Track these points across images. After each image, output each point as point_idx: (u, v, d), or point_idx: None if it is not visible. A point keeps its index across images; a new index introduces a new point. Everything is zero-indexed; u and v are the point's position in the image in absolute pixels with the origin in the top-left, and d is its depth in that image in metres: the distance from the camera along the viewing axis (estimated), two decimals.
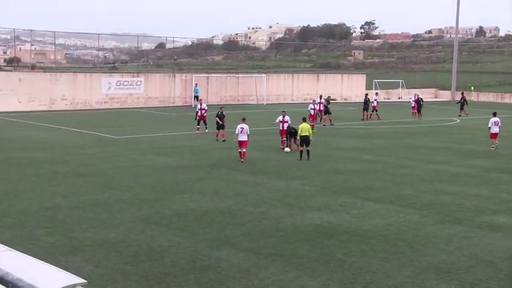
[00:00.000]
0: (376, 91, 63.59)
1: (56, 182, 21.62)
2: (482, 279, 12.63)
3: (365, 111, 48.55)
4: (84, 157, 27.21)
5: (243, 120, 27.84)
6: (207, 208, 18.14)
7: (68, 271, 5.62)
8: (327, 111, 43.99)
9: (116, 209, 17.86)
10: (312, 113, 40.00)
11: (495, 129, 32.01)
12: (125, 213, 17.33)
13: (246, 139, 26.80)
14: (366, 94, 52.43)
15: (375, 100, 49.66)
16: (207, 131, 36.38)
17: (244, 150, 26.67)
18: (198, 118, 37.12)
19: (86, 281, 5.37)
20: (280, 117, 30.64)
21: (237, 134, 26.94)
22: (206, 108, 37.47)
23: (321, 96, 45.53)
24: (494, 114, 32.82)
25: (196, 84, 61.11)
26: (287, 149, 29.27)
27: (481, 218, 17.70)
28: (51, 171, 23.62)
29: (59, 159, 26.61)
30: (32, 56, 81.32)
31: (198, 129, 37.05)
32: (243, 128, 26.87)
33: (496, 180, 23.63)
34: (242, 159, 26.39)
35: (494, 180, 23.62)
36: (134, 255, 13.64)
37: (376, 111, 48.84)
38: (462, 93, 58.48)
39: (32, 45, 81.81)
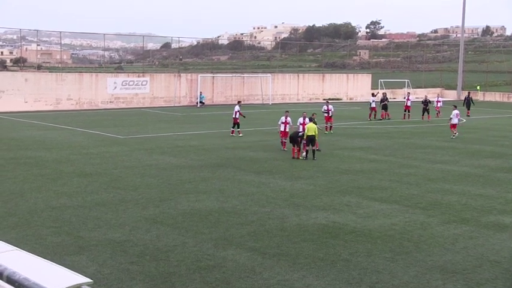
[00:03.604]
0: (409, 91, 63.55)
1: (61, 181, 21.67)
2: (489, 279, 12.59)
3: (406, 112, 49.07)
4: (89, 157, 27.26)
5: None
6: (212, 208, 18.15)
7: (73, 270, 5.62)
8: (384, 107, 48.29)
9: (122, 208, 17.88)
10: (329, 114, 38.82)
11: (455, 121, 36.77)
12: (130, 213, 17.35)
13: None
14: (408, 93, 52.97)
15: (407, 99, 49.92)
16: (240, 135, 35.44)
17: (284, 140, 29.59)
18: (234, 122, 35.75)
19: (91, 281, 5.37)
20: (283, 118, 30.35)
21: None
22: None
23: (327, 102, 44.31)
24: (455, 107, 37.84)
25: (201, 92, 61.25)
26: (304, 154, 27.75)
27: (487, 218, 17.65)
28: (56, 171, 23.67)
29: (65, 159, 26.67)
30: (38, 56, 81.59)
31: (232, 132, 35.83)
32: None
33: (502, 180, 23.57)
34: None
35: (500, 180, 23.56)
36: (140, 254, 13.66)
37: (409, 111, 49.16)
38: (469, 93, 58.29)
39: (38, 45, 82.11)
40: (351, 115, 51.81)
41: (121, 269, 12.74)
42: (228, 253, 13.88)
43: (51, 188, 20.49)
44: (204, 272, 12.67)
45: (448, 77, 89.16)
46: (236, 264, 13.14)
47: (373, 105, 48.50)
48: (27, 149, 29.16)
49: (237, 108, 35.74)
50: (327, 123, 37.98)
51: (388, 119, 48.23)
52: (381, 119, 48.07)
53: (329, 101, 43.06)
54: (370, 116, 48.30)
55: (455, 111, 37.15)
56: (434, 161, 27.72)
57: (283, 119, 30.22)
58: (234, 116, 35.46)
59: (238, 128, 35.41)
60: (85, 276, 5.47)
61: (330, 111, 38.37)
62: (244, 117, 36.08)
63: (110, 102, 57.66)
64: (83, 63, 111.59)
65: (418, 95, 66.26)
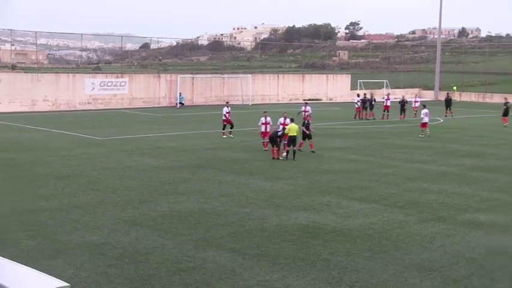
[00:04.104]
0: (388, 91, 63.95)
1: (37, 184, 21.46)
2: (465, 276, 12.74)
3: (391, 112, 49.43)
4: (67, 158, 27.04)
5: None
6: (192, 209, 18.10)
7: (50, 275, 5.56)
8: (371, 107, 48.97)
9: (100, 210, 17.76)
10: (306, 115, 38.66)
11: (425, 119, 37.30)
12: (109, 215, 17.24)
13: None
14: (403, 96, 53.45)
15: (387, 99, 50.39)
16: (231, 136, 35.19)
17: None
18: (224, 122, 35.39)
19: (68, 285, 5.33)
20: (263, 119, 30.40)
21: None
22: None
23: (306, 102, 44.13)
24: (424, 106, 38.87)
25: (180, 93, 61.11)
26: (284, 155, 27.92)
27: (463, 216, 17.83)
28: (33, 173, 23.44)
29: (41, 160, 26.41)
30: (12, 56, 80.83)
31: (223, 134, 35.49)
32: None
33: (478, 178, 23.81)
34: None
35: (476, 178, 23.80)
36: (118, 257, 13.57)
37: (388, 111, 49.67)
38: (447, 93, 58.76)
39: (12, 45, 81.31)
40: (330, 115, 51.96)
41: (99, 272, 12.65)
42: (208, 254, 13.85)
43: (27, 191, 20.30)
44: (184, 273, 12.63)
45: (426, 77, 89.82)
46: (216, 266, 13.12)
47: (358, 105, 49.15)
48: (2, 151, 28.84)
49: (226, 109, 35.62)
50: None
51: (373, 119, 48.77)
52: (368, 119, 48.63)
53: (308, 102, 43.08)
54: (355, 116, 48.93)
55: (425, 111, 37.92)
56: (413, 161, 27.91)
57: (263, 119, 30.31)
58: (224, 118, 35.37)
59: (231, 128, 35.32)
60: (62, 280, 5.42)
61: (306, 112, 38.19)
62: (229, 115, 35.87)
63: (88, 103, 57.21)
64: (60, 64, 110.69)
65: (397, 95, 66.57)
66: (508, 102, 46.67)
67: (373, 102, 49.57)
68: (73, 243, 14.58)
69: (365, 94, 51.89)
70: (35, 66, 74.62)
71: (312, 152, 29.37)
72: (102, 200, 19.15)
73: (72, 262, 13.19)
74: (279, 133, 27.91)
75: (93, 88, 57.68)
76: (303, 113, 38.23)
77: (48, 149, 29.75)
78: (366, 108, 49.16)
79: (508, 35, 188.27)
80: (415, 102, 52.13)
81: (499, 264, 13.52)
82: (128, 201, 19.00)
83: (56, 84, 55.57)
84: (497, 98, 75.82)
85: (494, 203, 19.68)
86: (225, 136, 34.92)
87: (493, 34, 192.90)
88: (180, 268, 12.94)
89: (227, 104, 37.18)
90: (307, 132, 29.81)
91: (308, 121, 30.39)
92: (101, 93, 58.17)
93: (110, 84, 58.95)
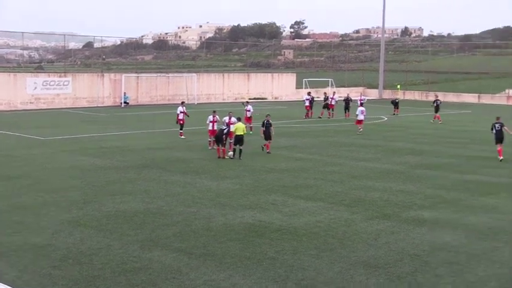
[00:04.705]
0: (334, 90, 64.64)
1: None
2: (409, 273, 12.96)
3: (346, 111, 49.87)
4: (9, 159, 26.46)
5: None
6: (137, 209, 17.94)
7: None
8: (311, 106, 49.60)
9: (43, 212, 17.45)
10: (249, 115, 38.53)
11: (361, 117, 38.82)
12: (52, 216, 16.95)
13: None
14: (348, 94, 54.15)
15: (332, 98, 50.96)
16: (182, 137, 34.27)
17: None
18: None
19: (10, 287, 5.22)
20: (210, 117, 30.28)
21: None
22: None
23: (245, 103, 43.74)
24: (361, 105, 41.32)
25: (125, 92, 60.51)
26: (230, 153, 27.88)
27: (408, 213, 18.15)
28: None
29: None
30: None
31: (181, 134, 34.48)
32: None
33: (422, 176, 24.27)
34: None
35: (420, 176, 24.25)
36: (62, 258, 13.36)
37: (333, 109, 50.39)
38: (395, 96, 60.10)
39: None
40: (276, 114, 52.05)
41: (42, 274, 12.42)
42: (154, 254, 13.75)
43: None
44: (129, 274, 12.51)
45: (370, 76, 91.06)
46: (162, 266, 13.04)
47: (307, 103, 49.71)
48: None
49: (180, 109, 35.21)
50: (246, 124, 37.80)
51: (328, 117, 49.52)
52: (320, 117, 49.32)
53: (248, 101, 42.99)
54: (306, 115, 49.42)
55: (360, 108, 39.40)
56: (358, 159, 28.27)
57: (211, 117, 30.14)
58: (178, 118, 34.92)
59: (181, 129, 34.89)
60: (3, 283, 5.31)
61: (248, 112, 37.97)
62: (188, 116, 35.48)
63: (30, 103, 56.14)
64: (0, 63, 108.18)
65: (341, 94, 67.30)
66: (438, 100, 49.23)
67: (349, 103, 50.06)
68: (15, 245, 14.28)
69: (348, 94, 53.40)
70: None
71: (268, 153, 29.17)
72: (46, 200, 18.82)
73: (15, 264, 12.91)
74: (225, 131, 27.89)
75: (36, 88, 56.62)
76: (245, 112, 38.01)
77: None
78: (348, 108, 49.54)
79: (449, 34, 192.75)
80: (360, 100, 52.82)
81: (443, 260, 13.80)
82: (72, 201, 18.71)
83: None
84: (439, 96, 77.51)
85: (437, 200, 20.08)
86: (182, 136, 34.48)
87: (435, 34, 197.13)
88: (126, 269, 12.81)
89: (182, 104, 36.66)
90: (271, 132, 29.65)
91: (268, 120, 30.01)
92: (44, 92, 57.13)
93: (52, 83, 57.93)
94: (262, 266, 13.18)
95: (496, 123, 28.69)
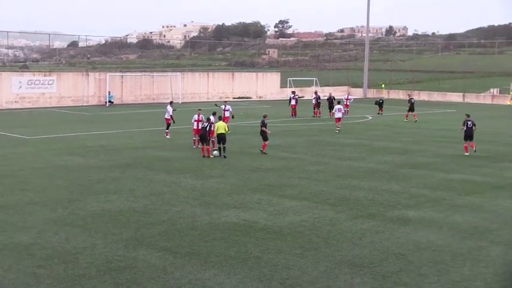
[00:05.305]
0: (317, 89, 64.92)
1: None
2: (394, 272, 13.03)
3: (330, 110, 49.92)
4: None
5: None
6: (122, 208, 17.92)
7: None
8: (318, 105, 50.26)
9: (28, 211, 17.39)
10: (227, 115, 38.40)
11: (338, 115, 39.68)
12: (37, 215, 16.90)
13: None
14: (330, 93, 55.03)
15: (314, 98, 51.22)
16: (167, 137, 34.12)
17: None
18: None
19: None
20: (195, 116, 30.24)
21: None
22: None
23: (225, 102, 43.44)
24: (339, 103, 42.72)
25: (109, 91, 60.35)
26: (215, 152, 27.84)
27: (392, 212, 18.24)
28: None
29: None
30: None
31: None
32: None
33: (407, 175, 24.38)
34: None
35: (404, 175, 24.36)
36: (47, 257, 13.33)
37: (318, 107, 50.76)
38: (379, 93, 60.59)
39: None
40: (260, 114, 52.04)
41: (27, 273, 12.40)
42: (139, 253, 13.76)
43: None
44: (114, 273, 12.50)
45: (355, 75, 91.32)
46: (147, 265, 13.05)
47: (293, 102, 49.88)
48: None
49: (170, 110, 34.84)
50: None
51: (319, 116, 49.86)
52: (314, 116, 49.71)
53: (227, 101, 42.84)
54: (292, 114, 49.48)
55: (338, 106, 40.68)
56: (343, 158, 28.36)
57: (196, 117, 30.09)
58: (166, 117, 34.72)
59: (167, 129, 34.76)
60: None
61: (227, 112, 37.74)
62: (174, 122, 35.08)
63: (15, 102, 55.89)
64: None
65: (325, 93, 67.47)
66: (412, 99, 50.27)
67: (333, 103, 50.26)
68: (0, 244, 14.23)
69: (330, 93, 54.36)
70: None
71: (264, 153, 29.07)
72: (31, 199, 18.75)
73: (0, 264, 12.89)
74: (206, 125, 27.93)
75: (21, 87, 56.37)
76: (223, 112, 37.78)
77: None
78: (332, 108, 49.66)
79: (433, 33, 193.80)
80: (347, 99, 52.97)
81: (428, 259, 13.89)
82: (57, 200, 18.65)
83: None
84: (424, 96, 78.09)
85: (422, 199, 20.16)
86: (168, 136, 34.39)
87: (420, 33, 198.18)
88: (111, 268, 12.81)
89: (171, 104, 36.50)
90: (268, 132, 29.64)
91: (263, 121, 29.96)
92: (29, 91, 56.88)
93: (37, 82, 57.69)
94: (247, 265, 13.22)
95: (468, 120, 29.89)
